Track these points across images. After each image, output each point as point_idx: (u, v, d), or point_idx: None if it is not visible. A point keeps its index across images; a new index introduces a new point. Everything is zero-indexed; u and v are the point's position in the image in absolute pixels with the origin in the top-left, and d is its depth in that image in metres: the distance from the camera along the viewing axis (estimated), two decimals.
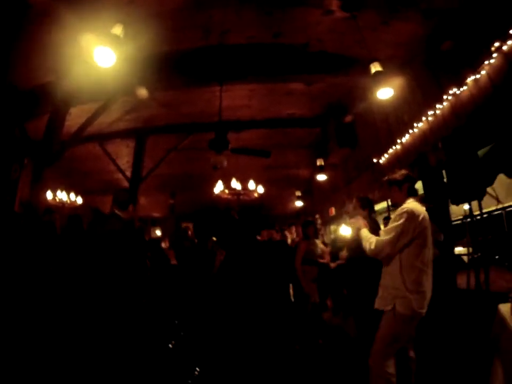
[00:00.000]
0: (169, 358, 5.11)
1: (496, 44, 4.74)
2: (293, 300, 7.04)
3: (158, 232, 16.62)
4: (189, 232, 7.36)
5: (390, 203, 3.58)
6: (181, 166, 11.76)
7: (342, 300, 8.49)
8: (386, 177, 3.62)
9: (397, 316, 3.02)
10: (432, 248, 3.33)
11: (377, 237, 3.29)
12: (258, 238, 8.90)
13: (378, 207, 8.64)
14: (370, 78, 5.32)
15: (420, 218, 3.17)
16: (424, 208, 3.33)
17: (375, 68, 5.30)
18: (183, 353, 5.27)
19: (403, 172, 3.52)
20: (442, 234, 5.70)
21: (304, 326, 6.08)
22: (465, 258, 6.58)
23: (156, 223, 16.86)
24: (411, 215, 3.13)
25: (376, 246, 3.19)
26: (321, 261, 6.23)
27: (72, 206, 10.48)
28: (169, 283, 6.30)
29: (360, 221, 3.67)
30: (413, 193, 3.48)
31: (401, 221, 3.12)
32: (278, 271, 7.43)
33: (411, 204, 3.27)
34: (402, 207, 3.26)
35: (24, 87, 6.78)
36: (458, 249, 7.20)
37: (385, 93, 5.40)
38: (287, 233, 8.49)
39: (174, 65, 6.37)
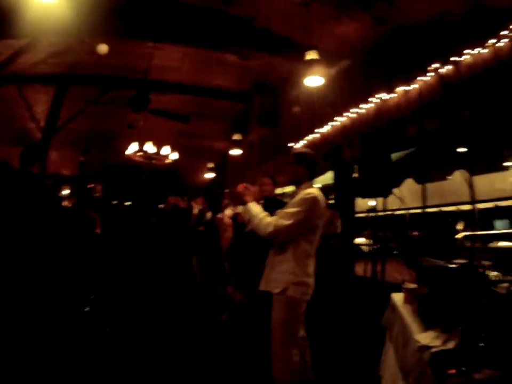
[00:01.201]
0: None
1: (434, 65, 5.18)
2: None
3: (66, 191, 15.49)
4: (96, 193, 7.00)
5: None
6: (99, 122, 10.88)
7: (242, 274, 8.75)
8: (293, 151, 3.52)
9: (290, 299, 2.89)
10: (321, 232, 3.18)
11: (273, 218, 2.94)
12: (162, 206, 8.82)
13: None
14: (304, 64, 5.42)
15: (322, 206, 3.03)
16: (323, 196, 3.13)
17: (310, 55, 5.42)
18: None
19: (310, 151, 3.34)
20: (339, 226, 6.06)
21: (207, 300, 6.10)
22: (365, 248, 7.16)
23: (65, 181, 15.67)
24: (316, 202, 2.95)
25: (274, 230, 2.86)
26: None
27: None
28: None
29: (251, 191, 3.12)
30: (312, 178, 3.28)
31: (304, 207, 2.89)
32: (176, 239, 7.43)
33: (315, 190, 3.08)
34: (308, 191, 3.00)
35: None
36: (360, 240, 7.80)
37: (314, 81, 5.54)
38: (193, 203, 8.49)
39: (116, 12, 5.90)
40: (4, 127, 11.07)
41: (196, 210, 7.98)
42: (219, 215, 6.15)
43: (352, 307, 5.51)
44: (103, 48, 6.54)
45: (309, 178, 3.21)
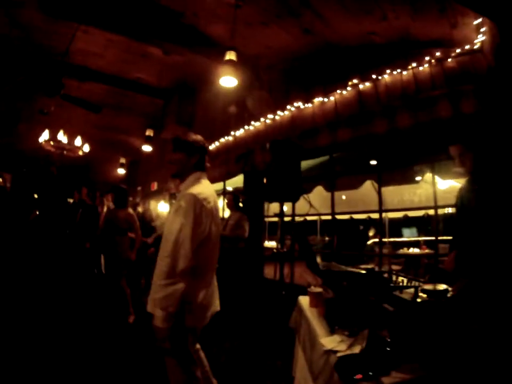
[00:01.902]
0: None
1: (354, 80, 5.49)
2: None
3: None
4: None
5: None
6: (7, 106, 10.16)
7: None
8: (176, 136, 2.83)
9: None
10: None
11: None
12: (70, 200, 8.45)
13: None
14: (223, 64, 5.49)
15: (211, 203, 2.65)
16: (211, 189, 2.81)
17: (229, 55, 5.51)
18: None
19: (199, 138, 2.85)
20: (247, 230, 6.20)
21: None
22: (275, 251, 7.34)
23: None
24: (197, 200, 2.53)
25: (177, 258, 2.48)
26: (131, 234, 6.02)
27: None
28: None
29: None
30: (201, 168, 2.81)
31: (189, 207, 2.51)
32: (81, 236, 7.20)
33: (199, 187, 2.65)
34: (188, 192, 2.59)
35: None
36: (271, 244, 7.97)
37: (229, 81, 5.62)
38: (104, 199, 8.25)
39: None
40: None
41: (105, 208, 7.76)
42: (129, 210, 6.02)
43: (262, 309, 5.63)
44: None
45: (195, 169, 2.77)
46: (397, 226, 10.24)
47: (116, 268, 5.71)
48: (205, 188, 2.68)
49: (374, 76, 5.31)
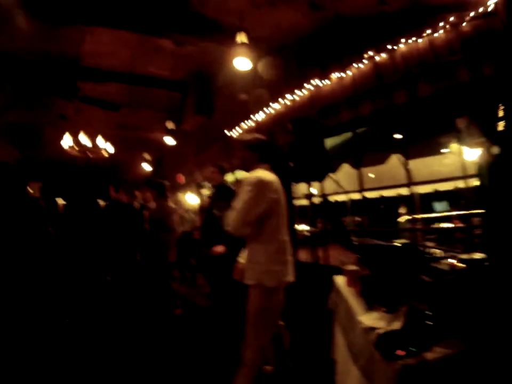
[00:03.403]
0: None
1: (370, 53, 5.31)
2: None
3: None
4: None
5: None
6: (29, 114, 10.22)
7: (189, 269, 8.68)
8: (239, 137, 3.46)
9: (265, 289, 2.84)
10: (286, 214, 3.14)
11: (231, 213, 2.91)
12: (101, 203, 8.52)
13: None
14: (235, 47, 5.36)
15: (270, 185, 2.97)
16: (274, 176, 3.13)
17: (240, 38, 5.36)
18: None
19: (257, 135, 3.33)
20: None
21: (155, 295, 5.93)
22: (307, 234, 7.21)
23: None
24: (259, 183, 2.91)
25: (229, 227, 2.87)
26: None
27: None
28: None
29: None
30: (264, 160, 3.23)
31: (248, 194, 2.86)
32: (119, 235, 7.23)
33: (261, 172, 3.05)
34: (251, 176, 3.00)
35: None
36: (302, 227, 7.84)
37: (243, 64, 5.51)
38: (137, 193, 8.27)
39: None
40: None
41: (137, 203, 7.79)
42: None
43: (299, 292, 5.55)
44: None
45: (259, 161, 3.20)
46: (427, 202, 9.94)
47: (161, 265, 5.72)
48: (264, 174, 3.05)
49: (389, 47, 5.12)
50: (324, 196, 6.39)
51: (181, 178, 12.42)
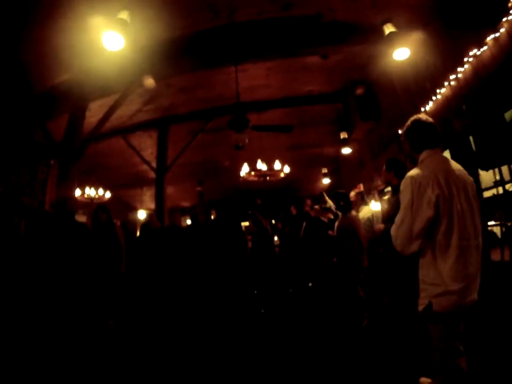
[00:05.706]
0: None
1: None
2: None
3: (188, 222, 16.69)
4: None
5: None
6: (205, 152, 11.86)
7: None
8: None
9: (435, 315, 2.32)
10: (468, 210, 2.41)
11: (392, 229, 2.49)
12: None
13: None
14: (385, 40, 5.10)
15: (429, 180, 2.36)
16: (446, 163, 2.52)
17: (388, 29, 5.10)
18: None
19: (415, 117, 2.75)
20: None
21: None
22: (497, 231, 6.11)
23: (185, 212, 16.83)
24: (411, 183, 2.38)
25: (394, 244, 2.44)
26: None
27: (101, 201, 10.76)
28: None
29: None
30: (432, 145, 2.58)
31: (404, 200, 2.40)
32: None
33: (410, 172, 2.49)
34: (405, 177, 2.48)
35: (41, 88, 6.98)
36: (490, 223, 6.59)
37: (401, 53, 5.21)
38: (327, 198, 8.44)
39: (186, 48, 6.32)
40: (120, 173, 12.56)
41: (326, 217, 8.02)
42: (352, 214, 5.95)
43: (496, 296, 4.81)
44: (149, 82, 6.96)
45: (424, 148, 2.55)
46: None
47: (351, 273, 5.70)
48: (425, 167, 2.48)
49: None
50: None
51: (360, 187, 12.29)
